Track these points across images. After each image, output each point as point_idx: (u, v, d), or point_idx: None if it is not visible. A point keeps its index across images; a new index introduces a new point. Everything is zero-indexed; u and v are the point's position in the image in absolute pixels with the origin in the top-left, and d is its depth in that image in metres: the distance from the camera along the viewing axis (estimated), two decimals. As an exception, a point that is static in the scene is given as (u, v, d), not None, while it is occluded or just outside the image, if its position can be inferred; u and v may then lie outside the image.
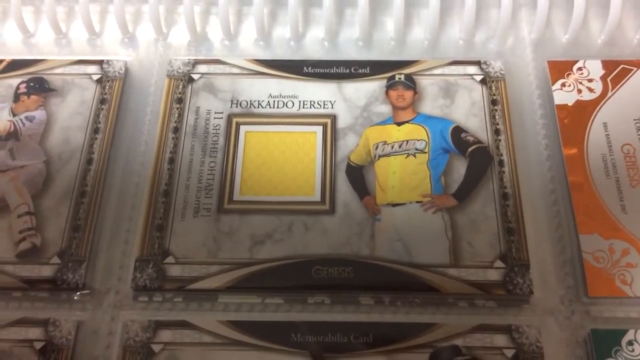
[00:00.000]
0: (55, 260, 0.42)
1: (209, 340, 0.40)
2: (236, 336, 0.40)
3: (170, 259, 0.42)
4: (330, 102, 0.49)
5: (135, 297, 0.42)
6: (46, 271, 0.42)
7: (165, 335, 0.40)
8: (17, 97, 0.49)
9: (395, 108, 0.48)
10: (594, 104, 0.48)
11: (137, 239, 0.43)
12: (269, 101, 0.49)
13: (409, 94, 0.49)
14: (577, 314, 0.41)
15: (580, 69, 0.49)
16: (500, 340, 0.40)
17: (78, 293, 0.42)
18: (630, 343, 0.40)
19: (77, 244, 0.43)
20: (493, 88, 0.49)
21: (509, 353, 0.39)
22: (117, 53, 0.53)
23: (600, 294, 0.41)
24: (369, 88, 0.49)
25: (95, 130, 0.47)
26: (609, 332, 0.40)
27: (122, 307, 0.42)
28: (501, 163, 0.45)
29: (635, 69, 0.49)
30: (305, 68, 0.50)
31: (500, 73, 0.49)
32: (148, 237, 0.43)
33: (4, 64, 0.51)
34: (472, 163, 0.46)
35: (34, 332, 0.40)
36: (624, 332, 0.40)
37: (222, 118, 0.48)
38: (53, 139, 0.47)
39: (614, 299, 0.41)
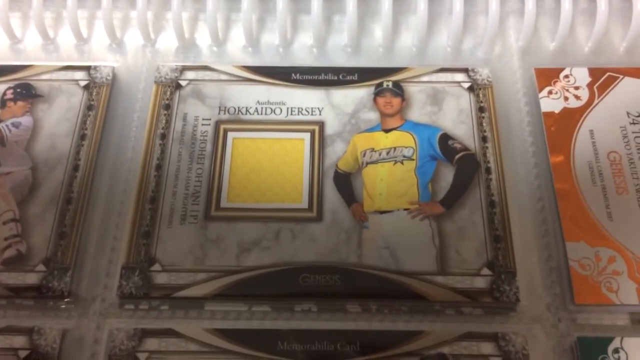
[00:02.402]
0: (41, 267, 0.42)
1: (195, 349, 0.40)
2: (222, 344, 0.40)
3: (156, 267, 0.42)
4: (319, 108, 0.48)
5: (121, 305, 0.42)
6: (31, 279, 0.42)
7: (151, 343, 0.40)
8: (3, 103, 0.49)
9: (383, 115, 0.48)
10: (581, 111, 0.48)
11: (123, 246, 0.43)
12: (257, 108, 0.49)
13: (396, 101, 0.49)
14: (563, 321, 0.41)
15: (567, 76, 0.50)
16: (487, 348, 0.40)
17: (64, 301, 0.42)
18: (616, 351, 0.40)
19: (62, 251, 0.43)
20: (480, 95, 0.49)
21: (496, 361, 0.39)
22: (105, 59, 0.52)
23: (586, 301, 0.41)
24: (357, 95, 0.49)
25: (82, 137, 0.47)
26: (596, 340, 0.40)
27: (108, 315, 0.41)
28: (488, 170, 0.45)
29: (621, 76, 0.50)
30: (293, 75, 0.50)
31: (488, 80, 0.49)
32: (134, 245, 0.43)
33: (-10, 69, 0.50)
34: (460, 170, 0.46)
35: (19, 341, 0.40)
36: (610, 340, 0.40)
37: (209, 125, 0.48)
38: (39, 145, 0.47)
39: (600, 307, 0.41)
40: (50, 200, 0.44)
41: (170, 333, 0.40)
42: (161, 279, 0.42)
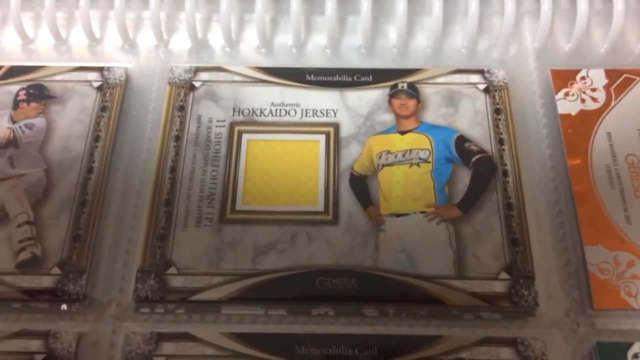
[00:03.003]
0: (56, 270, 0.42)
1: (211, 353, 0.39)
2: (239, 348, 0.39)
3: (172, 270, 0.42)
4: (333, 110, 0.48)
5: (137, 308, 0.42)
6: (46, 282, 0.41)
7: (168, 347, 0.40)
8: (16, 104, 0.48)
9: (398, 117, 0.48)
10: (598, 113, 0.48)
11: (139, 249, 0.43)
12: (271, 109, 0.48)
13: (412, 103, 0.48)
14: (582, 326, 0.41)
15: (583, 78, 0.49)
16: (506, 353, 0.39)
17: (79, 304, 0.41)
18: (636, 356, 0.39)
19: (77, 254, 0.42)
20: (496, 97, 0.48)
21: (515, 366, 0.39)
22: (117, 60, 0.52)
23: (605, 306, 0.41)
24: (372, 96, 0.49)
25: (96, 139, 0.47)
26: (615, 345, 0.40)
27: (124, 319, 0.41)
28: (505, 173, 0.45)
29: (638, 78, 0.49)
30: (307, 76, 0.50)
31: (504, 82, 0.49)
32: (149, 248, 0.43)
33: (3, 70, 0.50)
34: (476, 173, 0.45)
35: (35, 345, 0.40)
36: (629, 345, 0.40)
37: (224, 126, 0.47)
38: (53, 147, 0.47)
39: (620, 311, 0.41)
40: (64, 203, 0.44)
41: (186, 337, 0.40)
42: (177, 282, 0.41)
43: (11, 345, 0.40)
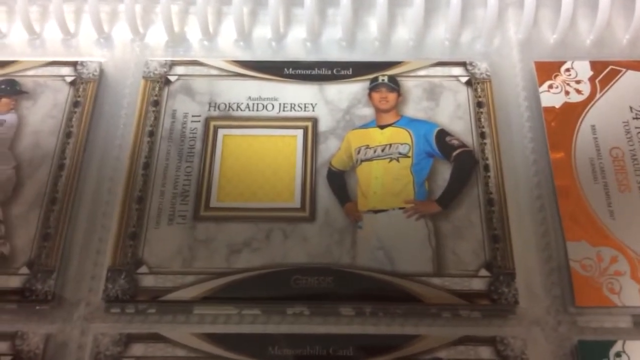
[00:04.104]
0: (24, 270, 0.41)
1: (182, 354, 0.38)
2: (211, 349, 0.38)
3: (143, 269, 0.41)
4: (312, 104, 0.47)
5: (107, 308, 0.40)
6: (14, 282, 0.40)
7: (137, 349, 0.38)
8: (-14, 100, 0.47)
9: (378, 111, 0.47)
10: (582, 106, 0.46)
11: (109, 248, 0.41)
12: (248, 104, 0.47)
13: (392, 96, 0.47)
14: (564, 324, 0.40)
15: (568, 70, 0.48)
16: (485, 352, 0.38)
17: (47, 305, 0.40)
18: (618, 354, 0.38)
19: (47, 253, 0.41)
20: (479, 90, 0.47)
21: (494, 366, 0.38)
22: (92, 54, 0.51)
23: (587, 303, 0.40)
24: (351, 90, 0.48)
25: (68, 135, 0.46)
26: (597, 344, 0.39)
27: (93, 320, 0.40)
28: (486, 167, 0.44)
29: (624, 69, 0.48)
30: (286, 69, 0.49)
31: (486, 74, 0.48)
32: (121, 246, 0.41)
33: (-26, 65, 0.49)
34: (457, 168, 0.44)
35: (1, 346, 0.39)
36: (612, 343, 0.39)
37: (199, 121, 0.46)
38: (24, 143, 0.45)
39: (602, 309, 0.40)
40: (34, 201, 0.43)
41: (157, 338, 0.39)
42: (148, 281, 0.40)
43: (-23, 347, 0.39)
